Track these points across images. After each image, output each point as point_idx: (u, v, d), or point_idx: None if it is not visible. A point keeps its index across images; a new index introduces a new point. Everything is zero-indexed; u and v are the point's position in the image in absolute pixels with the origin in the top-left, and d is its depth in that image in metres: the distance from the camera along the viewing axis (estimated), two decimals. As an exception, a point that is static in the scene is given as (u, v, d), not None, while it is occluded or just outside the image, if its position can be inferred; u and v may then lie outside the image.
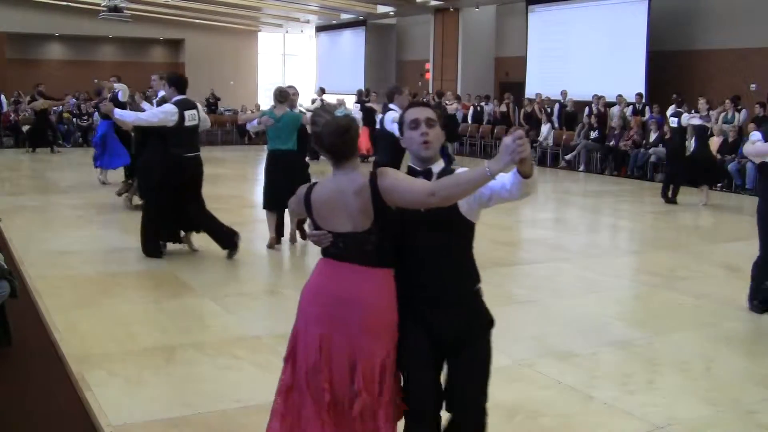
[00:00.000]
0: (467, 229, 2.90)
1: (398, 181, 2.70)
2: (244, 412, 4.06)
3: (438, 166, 2.90)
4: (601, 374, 4.81)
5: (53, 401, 4.20)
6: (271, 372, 4.71)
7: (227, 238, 7.53)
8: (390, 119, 7.44)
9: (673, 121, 12.85)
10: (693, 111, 12.61)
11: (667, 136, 14.18)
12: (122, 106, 13.54)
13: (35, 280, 6.55)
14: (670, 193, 12.30)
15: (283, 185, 7.73)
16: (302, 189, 2.94)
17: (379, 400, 2.77)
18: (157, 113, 7.36)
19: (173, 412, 4.04)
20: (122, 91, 12.89)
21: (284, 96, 7.94)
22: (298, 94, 8.49)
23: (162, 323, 5.64)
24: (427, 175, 2.86)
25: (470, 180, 2.57)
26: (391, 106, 7.72)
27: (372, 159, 18.00)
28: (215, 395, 4.28)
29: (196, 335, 5.35)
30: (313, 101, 18.89)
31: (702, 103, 12.58)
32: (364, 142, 17.25)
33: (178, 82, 7.46)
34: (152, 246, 7.57)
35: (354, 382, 2.77)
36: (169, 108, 7.30)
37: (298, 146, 7.92)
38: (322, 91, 19.52)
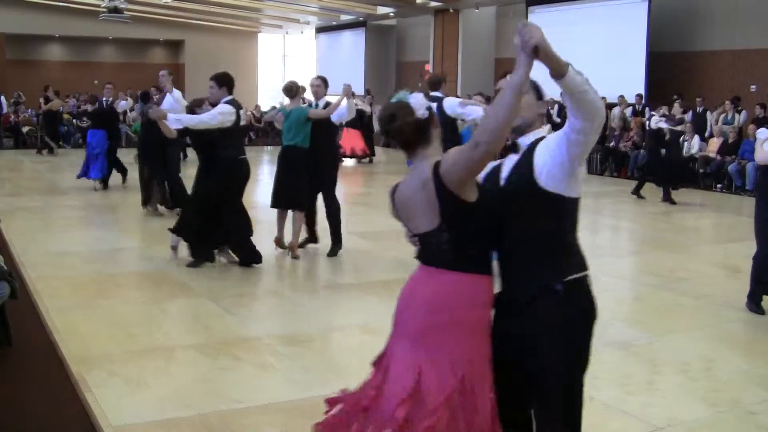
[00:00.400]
0: (556, 205, 2.47)
1: (455, 154, 2.44)
2: (244, 412, 4.06)
3: (529, 137, 2.55)
4: (601, 374, 4.80)
5: (53, 402, 4.20)
6: (271, 372, 4.72)
7: (249, 258, 7.24)
8: (457, 102, 7.30)
9: (647, 124, 13.25)
10: (666, 114, 12.87)
11: (667, 137, 14.25)
12: (117, 116, 13.44)
13: (35, 281, 6.55)
14: (662, 195, 12.40)
15: (286, 182, 7.59)
16: (391, 189, 2.72)
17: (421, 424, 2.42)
18: (216, 115, 6.86)
19: (173, 412, 4.04)
20: (126, 103, 12.75)
21: (291, 91, 7.72)
22: (322, 86, 7.90)
23: (162, 324, 5.64)
24: (513, 148, 2.58)
25: (499, 102, 2.28)
26: (436, 94, 7.42)
27: (366, 160, 18.00)
28: (215, 395, 4.28)
29: (197, 336, 5.35)
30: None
31: (675, 106, 12.80)
32: (357, 143, 17.31)
33: (230, 82, 7.04)
34: (202, 250, 7.22)
35: (405, 398, 2.47)
36: (227, 108, 6.90)
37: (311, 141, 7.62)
38: (303, 89, 19.01)
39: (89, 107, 13.03)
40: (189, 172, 13.58)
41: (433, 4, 22.97)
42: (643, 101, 17.38)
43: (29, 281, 6.52)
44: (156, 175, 10.04)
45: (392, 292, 6.85)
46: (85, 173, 12.23)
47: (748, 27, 16.26)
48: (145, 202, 10.28)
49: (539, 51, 2.22)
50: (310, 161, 7.64)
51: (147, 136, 10.03)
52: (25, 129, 20.35)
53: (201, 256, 7.22)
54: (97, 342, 5.12)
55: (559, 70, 2.25)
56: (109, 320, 5.65)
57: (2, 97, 21.05)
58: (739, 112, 15.20)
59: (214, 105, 7.09)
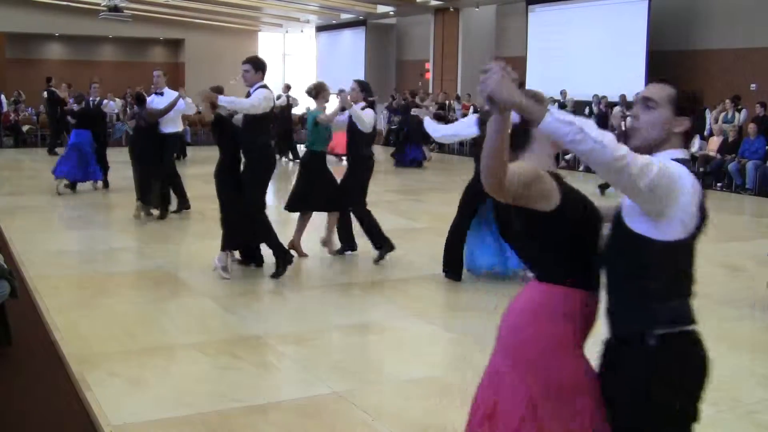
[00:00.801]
0: (640, 246, 2.17)
1: None
2: (244, 412, 4.06)
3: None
4: (601, 374, 4.80)
5: (53, 401, 4.20)
6: (270, 372, 4.72)
7: (254, 258, 7.10)
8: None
9: (622, 124, 13.71)
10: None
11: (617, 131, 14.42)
12: (104, 116, 13.07)
13: (35, 280, 6.55)
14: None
15: (296, 185, 7.53)
16: None
17: None
18: (262, 99, 6.61)
19: (173, 411, 4.04)
20: (114, 104, 12.31)
21: (310, 93, 7.56)
22: (356, 89, 7.56)
23: (162, 323, 5.64)
24: None
25: (485, 146, 2.11)
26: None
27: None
28: (215, 395, 4.28)
29: (197, 335, 5.35)
30: (278, 97, 18.71)
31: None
32: (339, 141, 17.28)
33: (265, 67, 6.85)
34: (283, 250, 6.95)
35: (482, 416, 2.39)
36: (269, 93, 6.71)
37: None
38: (287, 87, 18.61)
39: (75, 106, 12.43)
40: (189, 171, 13.50)
41: (434, 2, 22.97)
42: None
43: (29, 280, 6.52)
44: (151, 178, 9.64)
45: (392, 292, 6.89)
46: (75, 175, 11.60)
47: (748, 25, 16.26)
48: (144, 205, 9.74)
49: (494, 101, 1.99)
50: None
51: (141, 138, 9.72)
52: (25, 128, 20.33)
53: (284, 254, 6.91)
54: (97, 341, 5.12)
55: (532, 119, 2.02)
56: (109, 319, 5.65)
57: (2, 96, 21.03)
58: (739, 111, 15.20)
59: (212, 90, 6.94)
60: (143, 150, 9.66)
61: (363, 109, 7.36)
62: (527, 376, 2.32)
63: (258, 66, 6.80)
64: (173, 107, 9.57)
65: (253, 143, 6.78)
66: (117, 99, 13.38)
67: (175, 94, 9.85)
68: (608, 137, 2.02)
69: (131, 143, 10.13)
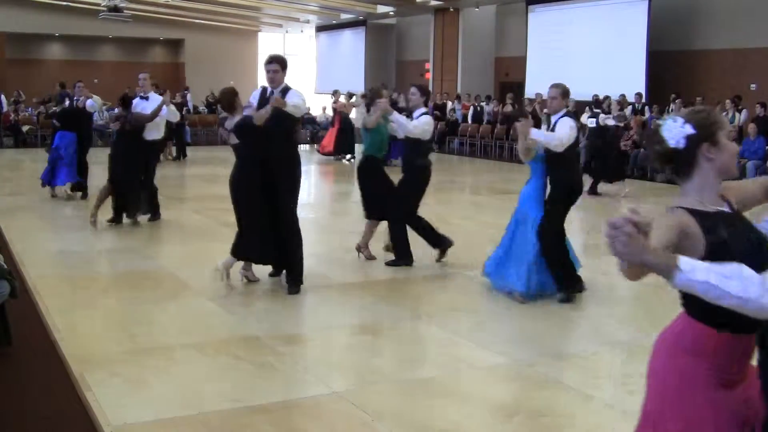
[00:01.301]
0: None
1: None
2: (244, 412, 4.06)
3: None
4: (601, 374, 4.81)
5: (53, 401, 4.20)
6: (270, 372, 4.72)
7: (300, 275, 6.60)
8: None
9: (591, 122, 13.62)
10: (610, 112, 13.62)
11: (586, 135, 14.48)
12: (89, 116, 12.72)
13: (35, 280, 6.55)
14: (590, 187, 12.59)
15: (361, 189, 7.46)
16: None
17: None
18: (304, 98, 6.60)
19: (173, 412, 4.04)
20: (95, 102, 11.79)
21: (365, 96, 7.44)
22: (417, 94, 7.33)
23: (162, 323, 5.64)
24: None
25: (620, 269, 2.04)
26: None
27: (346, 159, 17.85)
28: (215, 395, 4.28)
29: (196, 335, 5.35)
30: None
31: (614, 104, 14.02)
32: (327, 141, 17.58)
33: (287, 67, 6.74)
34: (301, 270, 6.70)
35: None
36: (303, 95, 6.65)
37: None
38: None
39: (57, 108, 11.75)
40: (189, 171, 13.46)
41: (433, 2, 22.98)
42: (643, 100, 17.38)
43: (29, 280, 6.52)
44: (136, 184, 9.21)
45: (392, 292, 6.88)
46: (50, 181, 11.10)
47: (748, 26, 16.27)
48: (131, 211, 9.31)
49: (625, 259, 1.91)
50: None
51: (125, 142, 9.21)
52: (25, 128, 20.34)
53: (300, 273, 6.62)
54: (97, 342, 5.12)
55: (663, 276, 1.89)
56: (109, 320, 5.66)
57: (2, 96, 21.03)
58: (739, 111, 15.21)
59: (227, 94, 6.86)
60: (126, 152, 9.09)
61: (421, 115, 7.11)
62: (662, 406, 2.29)
63: (285, 66, 6.68)
64: (158, 113, 9.19)
65: (287, 150, 6.57)
66: (95, 96, 12.93)
67: (161, 99, 9.58)
68: (753, 287, 1.81)
69: (114, 147, 9.56)
